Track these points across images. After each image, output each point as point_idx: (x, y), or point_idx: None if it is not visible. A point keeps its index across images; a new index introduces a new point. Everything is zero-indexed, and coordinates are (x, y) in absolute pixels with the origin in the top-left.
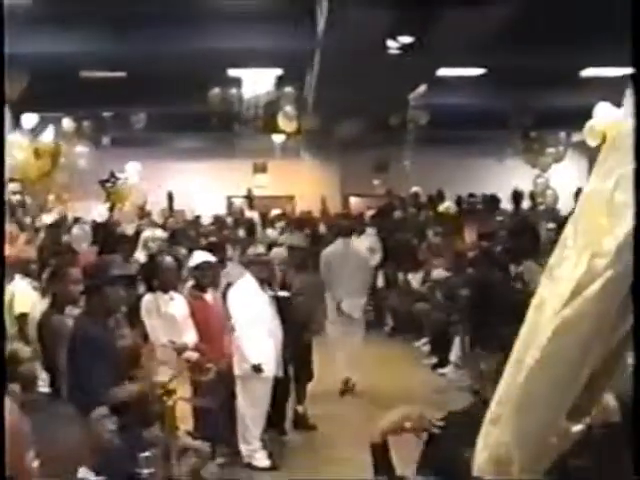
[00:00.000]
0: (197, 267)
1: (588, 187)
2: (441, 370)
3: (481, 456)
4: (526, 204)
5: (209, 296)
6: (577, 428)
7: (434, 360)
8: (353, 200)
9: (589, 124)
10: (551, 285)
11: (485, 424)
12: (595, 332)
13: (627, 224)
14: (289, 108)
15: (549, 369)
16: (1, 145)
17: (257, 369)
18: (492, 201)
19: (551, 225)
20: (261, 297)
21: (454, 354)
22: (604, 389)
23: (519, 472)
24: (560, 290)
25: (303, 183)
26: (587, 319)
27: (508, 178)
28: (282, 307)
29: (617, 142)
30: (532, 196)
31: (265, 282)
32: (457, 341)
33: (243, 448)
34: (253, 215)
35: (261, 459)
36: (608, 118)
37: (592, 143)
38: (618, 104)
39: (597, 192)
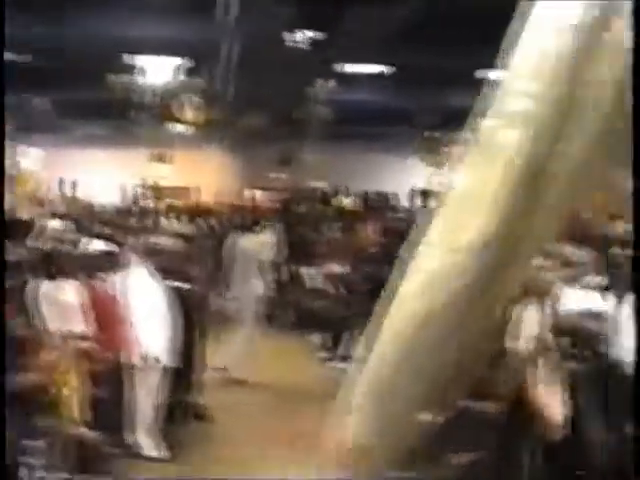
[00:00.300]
0: (94, 256)
1: (450, 184)
2: (340, 364)
3: (343, 445)
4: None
5: (106, 285)
6: (436, 420)
7: (332, 354)
8: (255, 193)
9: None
10: (409, 277)
11: (348, 414)
12: (453, 326)
13: (484, 221)
14: (192, 98)
15: (409, 361)
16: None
17: (153, 359)
18: (392, 198)
19: None
20: (158, 287)
21: (344, 348)
22: (464, 383)
23: (379, 460)
24: (418, 283)
25: (205, 174)
26: (445, 312)
27: (409, 176)
28: (179, 297)
29: (475, 141)
30: (430, 194)
31: (162, 272)
32: (356, 335)
33: (137, 438)
34: (153, 205)
35: (155, 450)
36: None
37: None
38: None
39: (457, 189)
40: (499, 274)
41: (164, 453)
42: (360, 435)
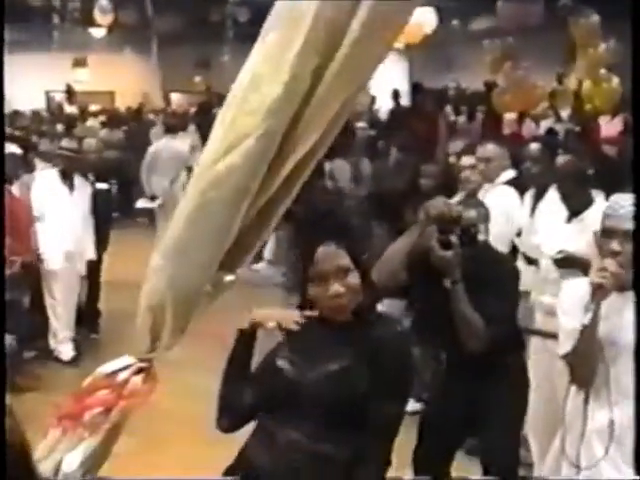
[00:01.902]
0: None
1: (256, 46)
2: (255, 266)
3: (140, 309)
4: None
5: (15, 188)
6: (229, 278)
7: (256, 257)
8: (174, 96)
9: None
10: (212, 139)
11: (147, 278)
12: (244, 188)
13: (276, 86)
14: (104, 1)
15: (203, 219)
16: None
17: (52, 263)
18: None
19: (362, 124)
20: (63, 190)
21: (268, 251)
22: (254, 245)
23: (172, 318)
24: (215, 146)
25: (124, 78)
26: (236, 175)
27: None
28: (98, 199)
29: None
30: None
31: (71, 175)
32: (272, 238)
33: (52, 342)
34: (72, 110)
35: (68, 352)
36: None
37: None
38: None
39: (258, 50)
40: (290, 138)
41: (75, 353)
42: (154, 292)
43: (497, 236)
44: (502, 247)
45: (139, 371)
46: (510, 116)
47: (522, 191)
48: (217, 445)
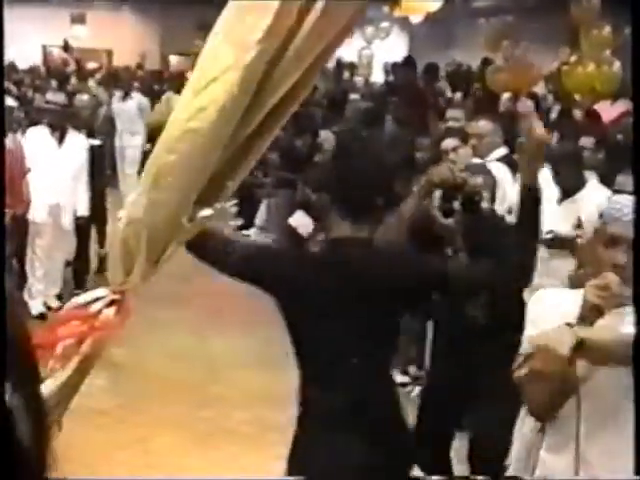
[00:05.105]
0: None
1: None
2: (245, 232)
3: (112, 240)
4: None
5: (8, 141)
6: (205, 212)
7: (240, 222)
8: (173, 58)
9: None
10: (193, 73)
11: (124, 211)
12: (225, 120)
13: (267, 18)
14: None
15: (183, 148)
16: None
17: (47, 215)
18: None
19: (355, 96)
20: (51, 143)
21: (259, 217)
22: (232, 180)
23: (146, 248)
24: (197, 78)
25: (122, 37)
26: (217, 107)
27: None
28: (92, 155)
29: None
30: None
31: (61, 129)
32: (263, 204)
33: (25, 295)
34: (69, 66)
35: (38, 307)
36: None
37: (415, 19)
38: None
39: None
40: (272, 75)
41: (42, 312)
42: (130, 223)
43: None
44: None
45: (112, 303)
46: (505, 95)
47: (514, 170)
48: (201, 406)
